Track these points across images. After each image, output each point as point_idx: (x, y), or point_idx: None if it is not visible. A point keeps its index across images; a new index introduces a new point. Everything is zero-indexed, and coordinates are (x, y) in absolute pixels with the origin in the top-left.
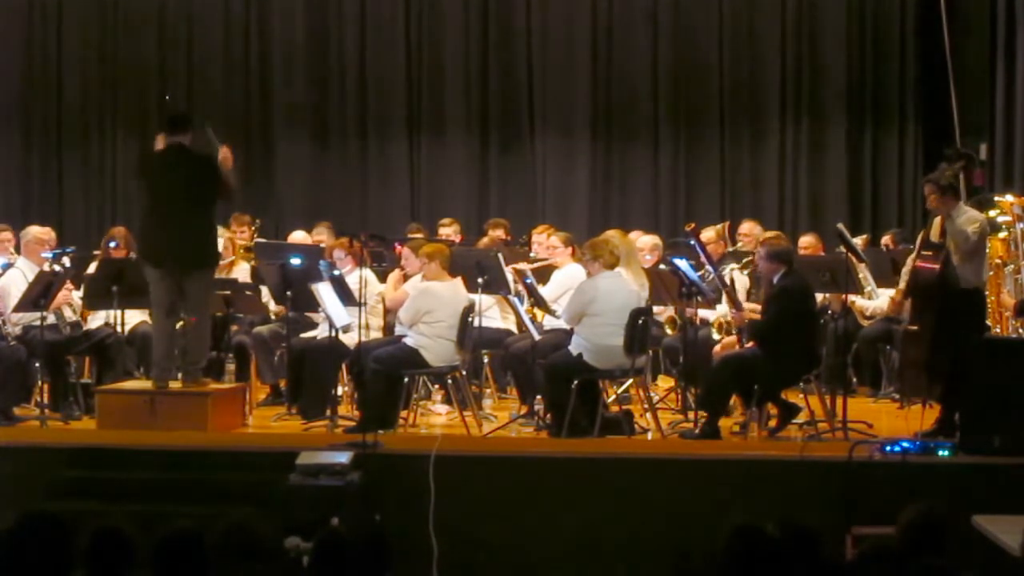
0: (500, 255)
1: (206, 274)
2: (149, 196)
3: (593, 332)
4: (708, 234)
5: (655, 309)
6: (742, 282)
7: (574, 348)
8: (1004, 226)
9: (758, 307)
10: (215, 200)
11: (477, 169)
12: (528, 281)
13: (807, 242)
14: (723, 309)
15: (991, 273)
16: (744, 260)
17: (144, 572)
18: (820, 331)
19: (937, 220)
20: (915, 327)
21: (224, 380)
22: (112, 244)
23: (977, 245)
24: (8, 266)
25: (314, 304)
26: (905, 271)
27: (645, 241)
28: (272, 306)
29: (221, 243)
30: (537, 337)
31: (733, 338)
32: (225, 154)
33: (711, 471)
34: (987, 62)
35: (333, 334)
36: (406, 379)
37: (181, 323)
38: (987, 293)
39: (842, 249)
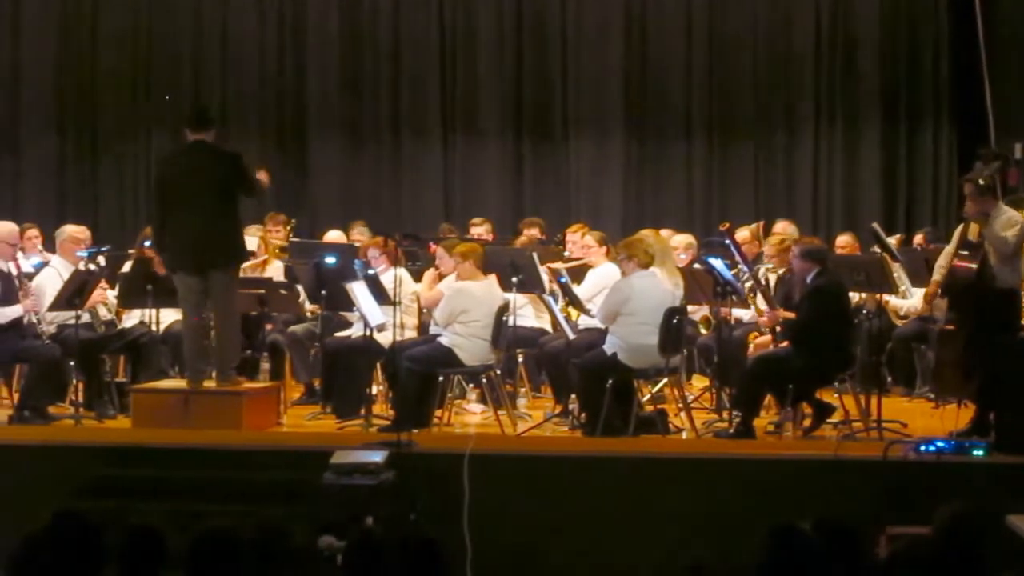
0: (535, 254)
1: (230, 272)
2: (170, 195)
3: (628, 331)
4: (743, 234)
5: (689, 309)
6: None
7: (608, 347)
8: None
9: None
10: (237, 196)
11: (511, 168)
12: (563, 280)
13: (844, 241)
14: (744, 312)
15: None
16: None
17: (177, 571)
18: (854, 330)
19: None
20: (950, 327)
21: (258, 379)
22: (147, 243)
23: (1016, 247)
24: (43, 265)
25: (349, 303)
26: (937, 267)
27: (679, 240)
28: (307, 305)
29: (255, 242)
30: (572, 336)
31: (767, 338)
32: (262, 177)
33: (745, 471)
34: (1021, 61)
35: (368, 333)
36: (440, 378)
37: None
38: None
39: (877, 249)
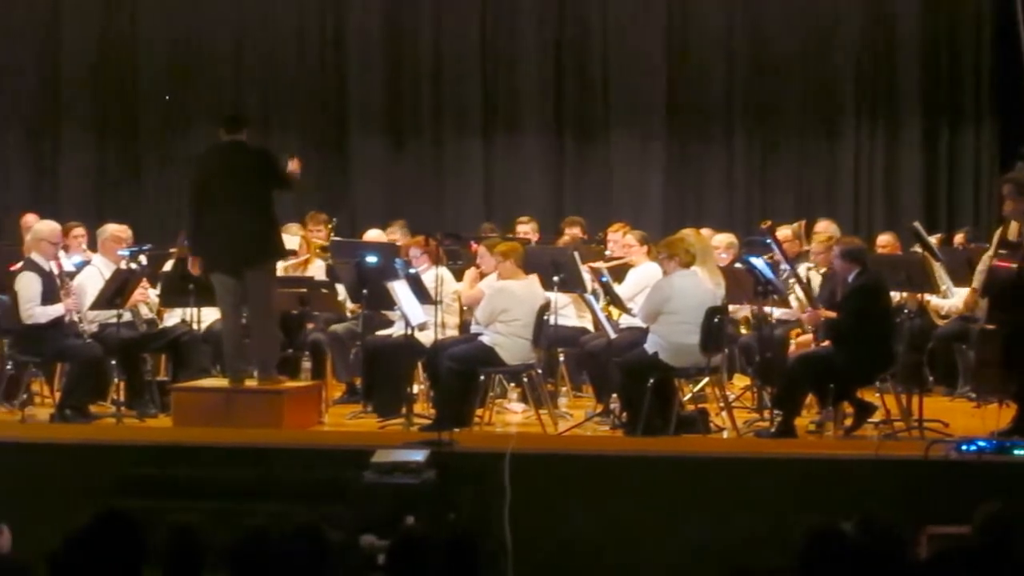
0: (576, 253)
1: (266, 271)
2: (204, 195)
3: (669, 330)
4: (783, 233)
5: (731, 308)
6: (816, 281)
7: (650, 346)
8: None
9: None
10: (271, 193)
11: (552, 168)
12: (604, 279)
13: (885, 240)
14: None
15: None
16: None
17: (218, 570)
18: (895, 330)
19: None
20: (991, 326)
21: (300, 378)
22: (187, 242)
23: None
24: (84, 264)
25: (390, 302)
26: (979, 269)
27: (720, 239)
28: (348, 304)
29: (296, 241)
30: (613, 335)
31: (809, 336)
32: (294, 167)
33: (786, 470)
34: None
35: (409, 332)
36: (482, 377)
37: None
38: None
39: (918, 248)
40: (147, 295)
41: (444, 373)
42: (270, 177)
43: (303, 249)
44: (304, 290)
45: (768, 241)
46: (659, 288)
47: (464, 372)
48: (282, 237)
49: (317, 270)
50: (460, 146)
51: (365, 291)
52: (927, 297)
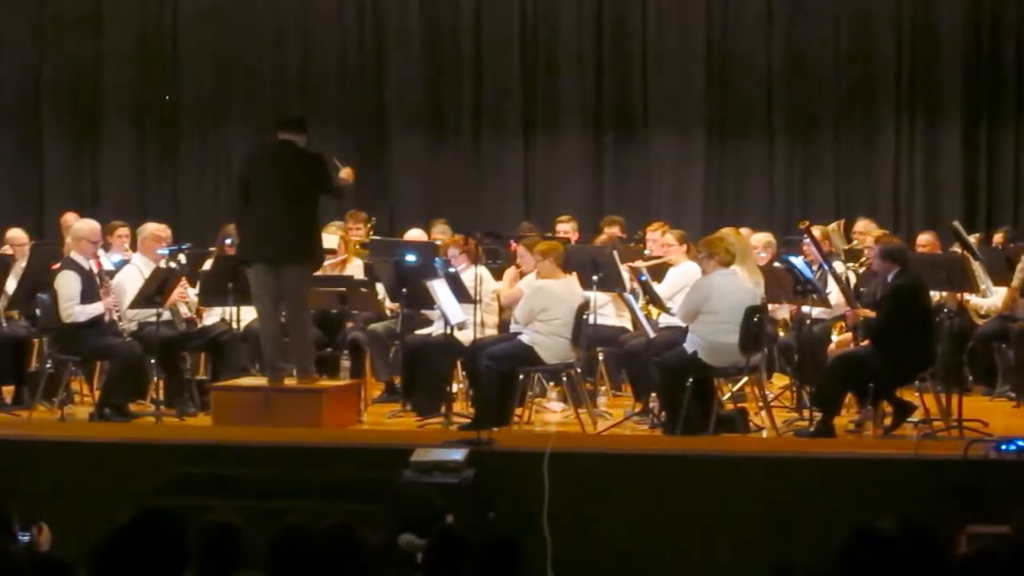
0: (615, 252)
1: (303, 270)
2: (251, 190)
3: (708, 330)
4: (816, 232)
5: (770, 308)
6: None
7: (689, 346)
8: None
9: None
10: (316, 198)
11: (591, 167)
12: (643, 279)
13: (925, 240)
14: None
15: None
16: (861, 260)
17: (256, 569)
18: (935, 329)
19: None
20: None
21: (339, 377)
22: (227, 241)
23: None
24: (124, 263)
25: (429, 301)
26: (1019, 268)
27: (759, 238)
28: (387, 303)
29: (335, 240)
30: (652, 335)
31: (848, 336)
32: (346, 175)
33: (826, 470)
34: None
35: (448, 331)
36: (521, 376)
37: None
38: None
39: (957, 247)
40: (187, 294)
41: (483, 372)
42: (318, 182)
43: (341, 248)
44: (343, 289)
45: (806, 240)
46: (698, 287)
47: (503, 371)
48: (322, 243)
49: (356, 269)
50: (500, 145)
51: (404, 290)
52: (967, 296)
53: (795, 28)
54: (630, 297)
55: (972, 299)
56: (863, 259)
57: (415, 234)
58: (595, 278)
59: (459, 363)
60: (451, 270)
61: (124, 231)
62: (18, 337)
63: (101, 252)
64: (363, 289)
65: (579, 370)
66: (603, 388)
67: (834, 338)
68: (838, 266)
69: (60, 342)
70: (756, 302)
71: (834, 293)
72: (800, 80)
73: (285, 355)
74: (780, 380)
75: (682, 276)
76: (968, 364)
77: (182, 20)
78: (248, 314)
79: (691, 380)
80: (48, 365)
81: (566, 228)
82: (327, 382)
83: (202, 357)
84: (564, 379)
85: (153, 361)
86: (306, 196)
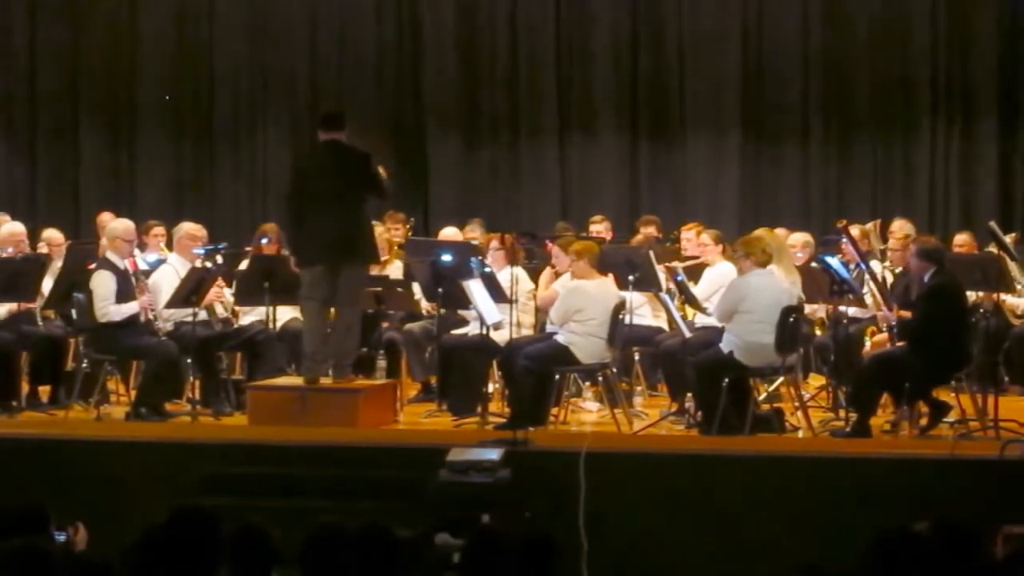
0: (651, 252)
1: (358, 269)
2: (305, 193)
3: (744, 329)
4: (852, 233)
5: (806, 308)
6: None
7: (725, 346)
8: None
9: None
10: (372, 193)
11: (627, 167)
12: (679, 279)
13: (962, 240)
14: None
15: None
16: (887, 260)
17: (291, 568)
18: (971, 329)
19: None
20: None
21: (375, 377)
22: (263, 240)
23: None
24: (160, 262)
25: (465, 301)
26: None
27: (796, 238)
28: (423, 303)
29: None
30: (688, 335)
31: (884, 336)
32: (382, 173)
33: (861, 470)
34: None
35: (484, 331)
36: (556, 376)
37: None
38: None
39: (994, 247)
40: (222, 294)
41: (519, 372)
42: (366, 180)
43: (384, 249)
44: (379, 289)
45: (843, 239)
46: (735, 287)
47: (539, 371)
48: (375, 239)
49: (396, 270)
50: (535, 145)
51: (440, 290)
52: (1003, 296)
53: (831, 29)
54: (666, 297)
55: (1008, 299)
56: (888, 260)
57: (450, 232)
58: (631, 278)
59: (495, 363)
60: (487, 270)
61: (160, 230)
62: (54, 337)
63: (137, 252)
64: (399, 289)
65: (615, 370)
66: (639, 388)
67: (869, 339)
68: (875, 266)
69: (96, 342)
70: (792, 302)
71: (870, 293)
72: (836, 80)
73: (325, 353)
74: (816, 380)
75: (718, 276)
76: (1004, 364)
77: (217, 21)
78: (284, 314)
79: (727, 380)
80: (84, 365)
81: (599, 228)
82: (363, 382)
83: (238, 357)
84: (600, 379)
85: (189, 361)
86: (358, 195)
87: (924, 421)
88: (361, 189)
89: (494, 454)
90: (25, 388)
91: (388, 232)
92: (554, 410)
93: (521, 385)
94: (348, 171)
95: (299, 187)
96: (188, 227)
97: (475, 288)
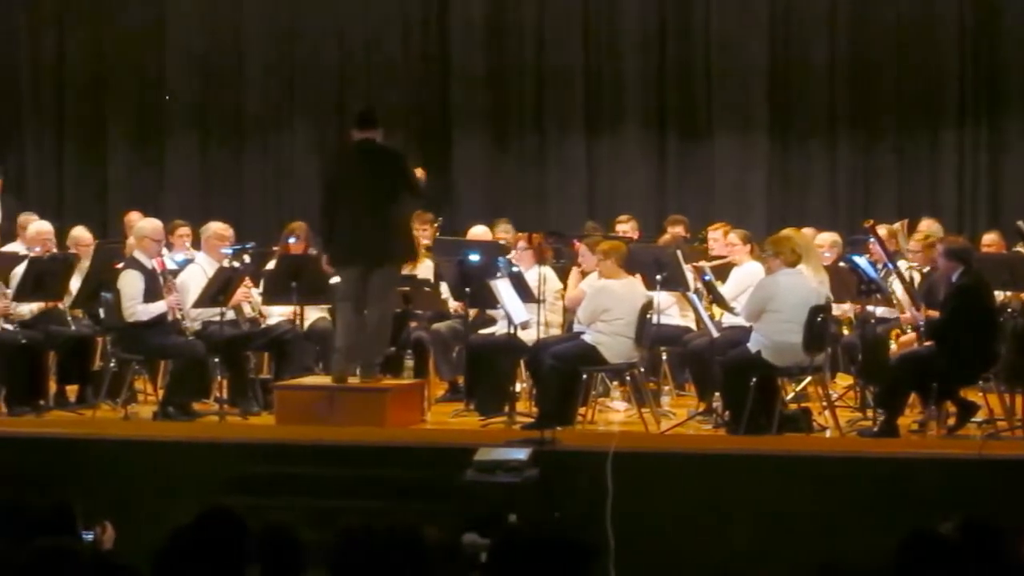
0: (679, 252)
1: (389, 270)
2: (338, 193)
3: (772, 329)
4: (881, 232)
5: (834, 309)
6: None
7: (753, 345)
8: None
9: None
10: (402, 195)
11: (655, 167)
12: (707, 278)
13: (990, 239)
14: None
15: None
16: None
17: (319, 568)
18: (999, 329)
19: None
20: None
21: (402, 376)
22: (291, 240)
23: None
24: (188, 262)
25: (493, 301)
26: None
27: (825, 238)
28: (451, 303)
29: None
30: (715, 334)
31: (911, 336)
32: (419, 174)
33: (889, 470)
34: None
35: (511, 331)
36: (584, 376)
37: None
38: None
39: (1021, 247)
40: (250, 294)
41: (547, 371)
42: (402, 179)
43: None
44: (408, 288)
45: (871, 239)
46: (763, 286)
47: (566, 371)
48: (412, 238)
49: (426, 270)
50: (563, 145)
51: (468, 290)
52: None
53: (858, 27)
54: (694, 297)
55: None
56: (910, 256)
57: (479, 231)
58: (659, 278)
59: (522, 362)
60: (514, 269)
61: (185, 230)
62: (82, 336)
63: (165, 251)
64: (427, 289)
65: (642, 370)
66: (666, 388)
67: (895, 340)
68: (902, 266)
69: (123, 341)
70: (820, 301)
71: (898, 293)
72: (863, 80)
73: (355, 352)
74: (844, 380)
75: (746, 276)
76: None
77: (245, 20)
78: (312, 313)
79: (755, 380)
80: (112, 364)
81: (626, 228)
82: (391, 381)
83: (265, 356)
84: (627, 378)
85: (217, 360)
86: (392, 195)
87: (952, 421)
88: (394, 188)
89: (521, 454)
90: (53, 387)
91: (416, 232)
92: (581, 410)
93: (548, 385)
94: (381, 170)
95: (332, 186)
96: (216, 227)
97: (503, 288)
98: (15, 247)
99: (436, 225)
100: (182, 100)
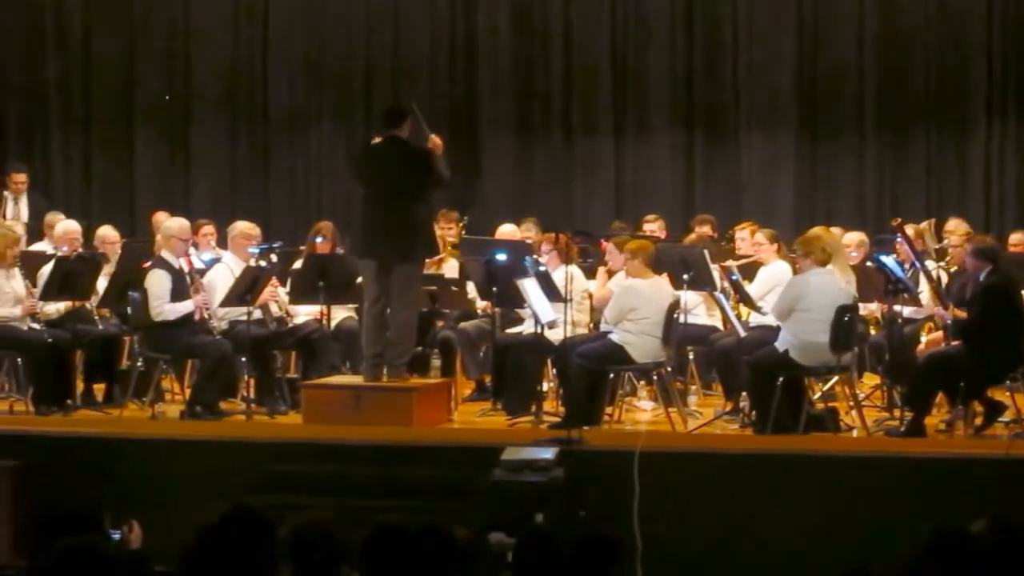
0: (706, 251)
1: (412, 268)
2: (364, 188)
3: (801, 328)
4: (908, 232)
5: (861, 309)
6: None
7: (780, 344)
8: None
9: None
10: (427, 193)
11: (682, 166)
12: (734, 278)
13: (1017, 239)
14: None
15: None
16: (947, 258)
17: (347, 567)
18: None
19: None
20: None
21: (429, 375)
22: (318, 239)
23: None
24: (214, 261)
25: (520, 300)
26: None
27: (852, 237)
28: (478, 302)
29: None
30: (742, 334)
31: (939, 335)
32: (435, 142)
33: (916, 469)
34: None
35: (538, 330)
36: (611, 375)
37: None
38: None
39: None
40: (277, 293)
41: (574, 371)
42: (427, 177)
43: (439, 247)
44: (434, 288)
45: (898, 238)
46: (794, 285)
47: (593, 370)
48: (434, 236)
49: (452, 269)
50: (590, 144)
51: (495, 289)
52: None
53: (886, 28)
54: (721, 296)
55: None
56: (948, 257)
57: (507, 229)
58: (686, 277)
59: (549, 362)
60: (542, 269)
61: (209, 229)
62: (109, 335)
63: (192, 250)
64: (453, 288)
65: (669, 369)
66: (693, 387)
67: (924, 337)
68: (930, 265)
69: (151, 340)
70: (849, 301)
71: (925, 292)
72: (891, 79)
73: (383, 352)
74: (871, 379)
75: (773, 275)
76: None
77: (273, 20)
78: (339, 312)
79: (782, 379)
80: (139, 363)
81: (652, 228)
82: (418, 381)
83: (293, 355)
84: (654, 378)
85: (244, 359)
86: (414, 192)
87: (979, 421)
88: (419, 186)
89: (548, 453)
90: (80, 386)
91: (441, 231)
92: (608, 409)
93: (575, 384)
94: (406, 167)
95: (357, 180)
96: (242, 226)
97: (529, 287)
98: (42, 246)
99: (462, 224)
100: (209, 98)
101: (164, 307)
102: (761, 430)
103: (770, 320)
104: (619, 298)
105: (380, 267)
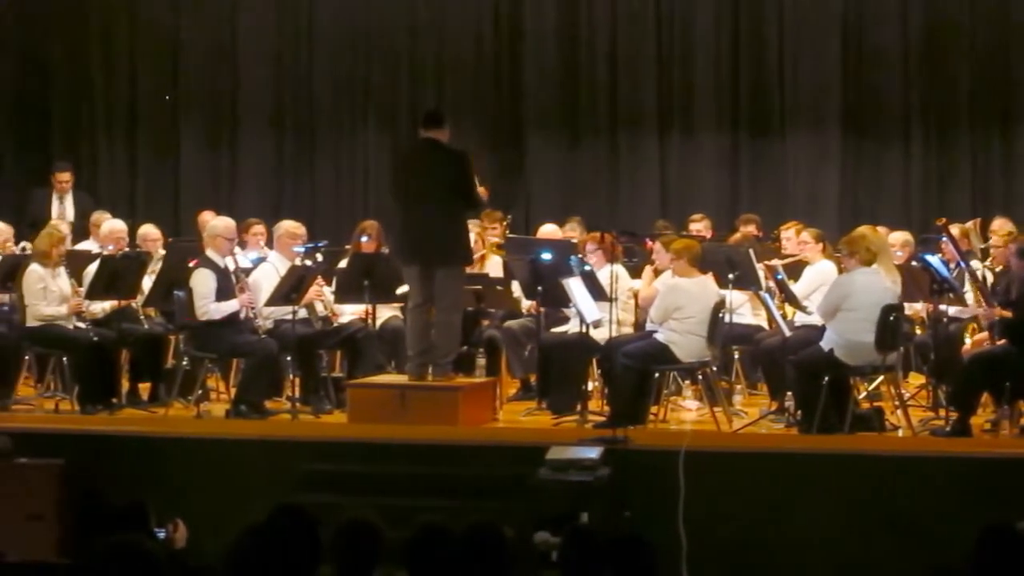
0: (751, 251)
1: (455, 270)
2: (401, 191)
3: (846, 328)
4: (953, 231)
5: (906, 308)
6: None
7: (826, 344)
8: None
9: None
10: (464, 198)
11: (727, 165)
12: (779, 277)
13: None
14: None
15: None
16: (991, 258)
17: (393, 566)
18: None
19: None
20: None
21: (475, 374)
22: (363, 238)
23: None
24: (260, 260)
25: (565, 299)
26: None
27: (897, 237)
28: (523, 302)
29: (472, 238)
30: (788, 333)
31: (984, 335)
32: (482, 192)
33: (962, 469)
34: None
35: (584, 329)
36: (656, 375)
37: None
38: None
39: None
40: (322, 292)
41: (619, 370)
42: (462, 183)
43: (478, 246)
44: (479, 287)
45: (943, 238)
46: (840, 284)
47: (639, 369)
48: (468, 241)
49: (494, 267)
50: (635, 144)
51: (540, 288)
52: None
53: (931, 26)
54: (766, 295)
55: None
56: (992, 257)
57: (548, 229)
58: (731, 276)
59: (594, 361)
60: (587, 268)
61: (259, 228)
62: (155, 334)
63: (237, 250)
64: (498, 287)
65: (715, 368)
66: (739, 387)
67: (969, 337)
68: (975, 265)
69: (196, 339)
70: (894, 300)
71: (970, 292)
72: (936, 78)
73: (427, 352)
74: (916, 379)
75: (818, 275)
76: None
77: (317, 20)
78: (384, 312)
79: (827, 379)
80: (184, 362)
81: (699, 227)
82: (463, 380)
83: (338, 355)
84: (699, 377)
85: (289, 359)
86: (453, 195)
87: None
88: (455, 189)
89: (593, 452)
90: (125, 385)
91: (484, 231)
92: (653, 408)
93: (621, 383)
94: (443, 170)
95: (397, 183)
96: (287, 225)
97: (574, 286)
98: (88, 245)
99: (506, 223)
100: (256, 98)
101: (209, 306)
102: (806, 430)
103: (815, 319)
104: (664, 297)
105: (422, 272)
